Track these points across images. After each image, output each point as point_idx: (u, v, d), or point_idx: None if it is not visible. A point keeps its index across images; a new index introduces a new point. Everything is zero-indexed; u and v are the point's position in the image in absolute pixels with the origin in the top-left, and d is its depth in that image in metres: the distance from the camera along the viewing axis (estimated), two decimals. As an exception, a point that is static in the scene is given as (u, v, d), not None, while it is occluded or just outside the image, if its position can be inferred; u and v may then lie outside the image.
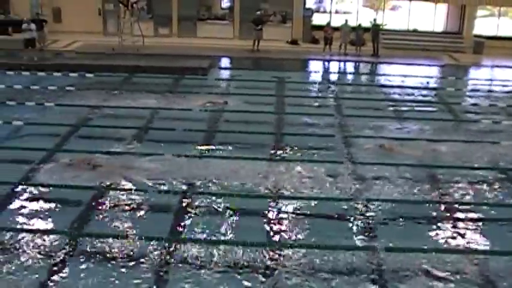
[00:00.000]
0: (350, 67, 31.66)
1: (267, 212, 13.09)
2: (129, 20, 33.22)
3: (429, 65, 31.46)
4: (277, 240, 11.93)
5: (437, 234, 12.30)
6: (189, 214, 12.94)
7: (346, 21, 33.03)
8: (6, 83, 24.54)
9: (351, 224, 12.62)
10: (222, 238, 11.93)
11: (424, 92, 25.28)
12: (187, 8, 36.41)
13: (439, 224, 12.72)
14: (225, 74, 28.78)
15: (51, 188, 14.21)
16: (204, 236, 12.00)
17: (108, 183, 14.42)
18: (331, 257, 11.17)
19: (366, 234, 12.19)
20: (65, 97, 22.67)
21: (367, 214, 12.99)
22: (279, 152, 16.77)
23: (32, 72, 26.68)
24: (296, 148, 17.01)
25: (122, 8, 34.00)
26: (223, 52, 31.64)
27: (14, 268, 10.77)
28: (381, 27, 33.72)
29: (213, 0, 38.33)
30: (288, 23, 37.00)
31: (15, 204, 13.46)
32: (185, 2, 36.30)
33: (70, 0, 35.91)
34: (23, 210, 13.11)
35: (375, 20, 33.61)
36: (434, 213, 13.29)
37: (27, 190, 14.14)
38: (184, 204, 13.36)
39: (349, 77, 30.55)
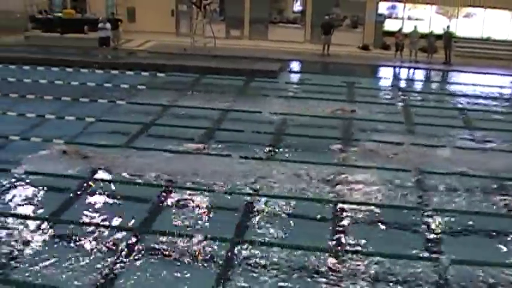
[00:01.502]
0: (421, 74, 31.23)
1: (329, 218, 13.04)
2: (202, 22, 33.56)
3: (503, 75, 30.74)
4: (342, 246, 11.90)
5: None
6: (254, 216, 13.01)
7: (415, 27, 32.62)
8: (80, 81, 25.13)
9: (418, 234, 12.48)
10: (286, 241, 11.93)
11: (496, 102, 24.70)
12: (259, 11, 36.54)
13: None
14: (295, 77, 28.72)
15: (119, 185, 14.52)
16: (268, 238, 12.05)
17: (173, 182, 14.67)
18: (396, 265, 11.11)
19: (432, 245, 12.02)
20: (137, 96, 23.08)
21: (435, 225, 12.81)
22: (343, 156, 16.69)
23: (105, 70, 27.26)
24: (361, 154, 16.90)
25: (194, 10, 34.39)
26: (293, 55, 31.63)
27: (77, 262, 11.07)
28: (454, 34, 33.18)
29: (285, 4, 38.35)
30: (359, 28, 36.77)
31: (84, 198, 13.80)
32: (257, 4, 36.43)
33: (144, 0, 36.46)
34: (91, 205, 13.45)
35: (448, 27, 33.07)
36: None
37: (96, 185, 14.49)
38: (249, 207, 13.45)
39: (420, 84, 30.11)
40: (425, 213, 13.24)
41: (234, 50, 31.80)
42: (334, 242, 11.98)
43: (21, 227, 12.37)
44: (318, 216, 13.06)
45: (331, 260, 11.22)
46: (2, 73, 26.47)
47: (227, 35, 36.63)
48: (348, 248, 11.75)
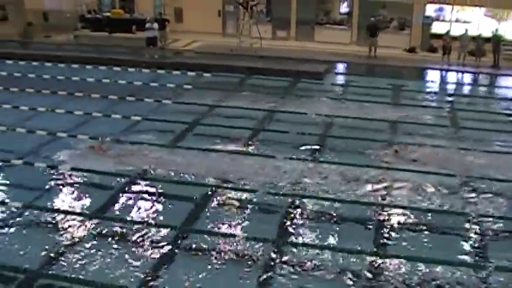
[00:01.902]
0: (468, 78, 30.81)
1: (372, 220, 13.02)
2: (248, 22, 33.66)
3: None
4: (383, 250, 11.85)
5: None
6: (296, 218, 13.02)
7: (466, 30, 32.14)
8: (128, 79, 25.43)
9: (463, 239, 12.35)
10: (328, 243, 11.94)
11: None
12: (305, 12, 36.46)
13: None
14: (341, 79, 28.60)
15: (163, 183, 14.68)
16: (310, 240, 12.06)
17: (217, 181, 14.77)
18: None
19: (476, 250, 11.89)
20: (182, 95, 23.25)
21: (479, 230, 12.67)
22: (388, 160, 16.61)
23: (152, 69, 27.51)
24: (407, 157, 16.78)
25: (241, 10, 34.47)
26: (339, 57, 31.49)
27: (121, 258, 11.25)
28: (503, 37, 32.66)
29: (332, 5, 38.19)
30: (406, 30, 36.45)
31: (129, 196, 14.01)
32: (304, 5, 36.37)
33: (192, 1, 36.68)
34: (135, 203, 13.68)
35: (496, 30, 32.58)
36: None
37: (139, 184, 14.68)
38: (293, 208, 13.45)
39: (467, 87, 29.70)
40: (470, 219, 13.10)
41: (280, 51, 31.78)
42: (377, 246, 11.94)
43: (67, 223, 12.59)
44: (362, 219, 13.03)
45: (373, 264, 11.19)
46: (51, 71, 26.92)
47: (273, 35, 36.63)
48: (390, 252, 11.71)
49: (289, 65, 27.88)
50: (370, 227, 12.74)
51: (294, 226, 12.63)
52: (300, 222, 12.81)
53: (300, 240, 12.01)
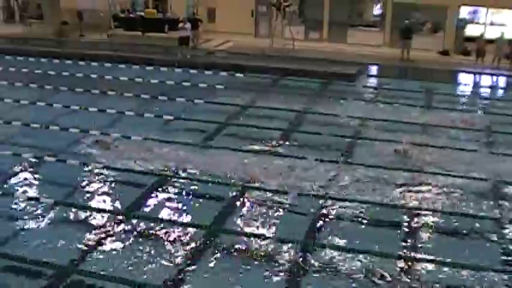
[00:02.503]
0: (502, 82, 30.44)
1: (403, 224, 12.93)
2: (281, 23, 33.63)
3: None
4: (414, 253, 11.77)
5: None
6: (326, 220, 12.99)
7: (503, 33, 31.73)
8: (160, 79, 25.60)
9: (493, 244, 12.23)
10: (357, 246, 11.87)
11: None
12: (339, 14, 36.35)
13: None
14: (373, 81, 28.44)
15: (193, 182, 14.74)
16: (339, 242, 12.01)
17: (247, 182, 14.81)
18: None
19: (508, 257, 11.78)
20: (214, 95, 23.30)
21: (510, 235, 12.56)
22: (418, 164, 16.43)
23: (184, 69, 27.63)
24: (437, 161, 16.63)
25: (274, 11, 34.45)
26: (372, 59, 31.31)
27: (151, 256, 11.31)
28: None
29: (365, 7, 38.02)
30: (439, 32, 36.14)
31: (159, 195, 14.11)
32: (337, 7, 36.25)
33: (225, 1, 36.75)
34: (165, 202, 13.78)
35: (533, 33, 32.15)
36: None
37: (170, 182, 14.77)
38: (323, 210, 13.42)
39: (501, 92, 29.35)
40: (501, 223, 12.97)
41: (313, 52, 31.71)
42: (405, 249, 11.87)
43: (98, 220, 12.71)
44: (391, 222, 12.97)
45: (401, 267, 11.13)
46: (85, 70, 27.19)
47: (306, 37, 36.55)
48: (418, 255, 11.63)
49: (321, 67, 27.81)
50: (402, 229, 12.68)
51: (324, 228, 12.60)
52: (329, 224, 12.77)
53: (329, 242, 11.96)
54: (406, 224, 12.90)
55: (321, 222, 12.85)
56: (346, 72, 27.08)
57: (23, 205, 13.37)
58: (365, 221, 12.90)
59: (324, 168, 15.59)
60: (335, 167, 15.78)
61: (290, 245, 11.71)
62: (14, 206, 13.34)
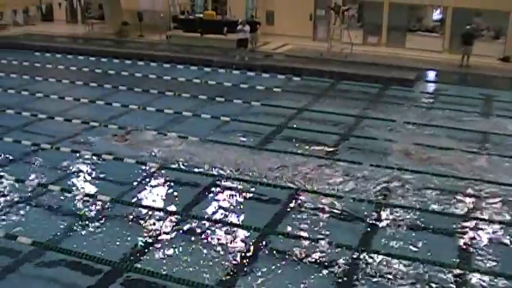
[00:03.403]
0: None
1: (458, 232, 12.80)
2: (339, 27, 33.52)
3: None
4: (468, 262, 11.63)
5: None
6: (380, 225, 12.91)
7: None
8: (218, 80, 25.77)
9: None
10: (409, 253, 11.78)
11: None
12: (398, 18, 35.98)
13: None
14: (431, 87, 28.05)
15: (248, 184, 14.82)
16: (392, 249, 11.94)
17: (302, 185, 14.81)
18: None
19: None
20: (271, 98, 23.32)
21: None
22: (477, 172, 16.16)
23: (241, 71, 27.76)
24: (497, 169, 16.36)
25: (332, 15, 34.34)
26: (430, 65, 30.89)
27: (203, 257, 11.43)
28: None
29: (425, 12, 37.59)
30: (501, 38, 35.52)
31: (214, 195, 14.26)
32: (396, 12, 35.91)
33: (283, 4, 36.76)
34: (219, 202, 13.92)
35: None
36: None
37: (225, 184, 14.88)
38: (378, 216, 13.36)
39: None
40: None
41: (370, 57, 31.47)
42: (459, 258, 11.73)
43: (153, 219, 12.88)
44: (446, 230, 12.83)
45: (455, 277, 10.99)
46: (144, 70, 27.55)
47: (364, 41, 36.29)
48: (473, 265, 11.48)
49: (379, 71, 27.61)
50: (454, 238, 12.58)
51: (378, 234, 12.54)
52: (383, 230, 12.69)
53: (382, 249, 11.89)
54: (462, 232, 12.75)
55: (374, 227, 12.78)
56: (404, 77, 26.81)
57: (80, 202, 13.64)
58: (420, 228, 12.83)
59: (380, 174, 15.48)
60: (389, 173, 15.66)
61: (343, 249, 11.70)
62: (72, 203, 13.62)
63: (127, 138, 17.93)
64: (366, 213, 13.41)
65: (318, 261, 11.36)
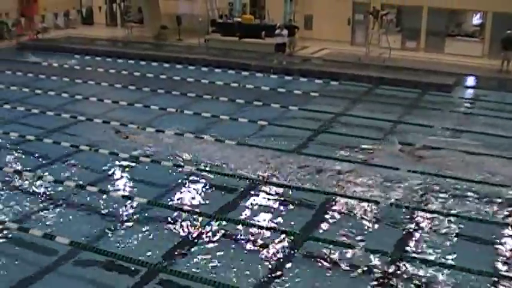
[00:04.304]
0: None
1: (495, 240, 12.63)
2: (378, 32, 33.36)
3: None
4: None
5: None
6: (417, 232, 12.82)
7: None
8: (256, 84, 25.83)
9: None
10: (446, 261, 11.68)
11: None
12: (437, 23, 35.68)
13: None
14: (469, 93, 27.75)
15: (285, 189, 14.84)
16: (429, 256, 11.85)
17: (339, 190, 14.79)
18: None
19: None
20: (309, 102, 23.30)
21: None
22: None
23: (279, 75, 27.78)
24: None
25: (371, 19, 34.20)
26: (469, 70, 30.58)
27: (239, 260, 11.48)
28: None
29: (464, 17, 37.23)
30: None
31: (251, 199, 14.29)
32: (435, 16, 35.62)
33: (322, 8, 36.68)
34: (256, 206, 13.94)
35: None
36: None
37: (261, 188, 14.96)
38: (413, 222, 13.27)
39: None
40: None
41: (409, 62, 31.26)
42: (498, 267, 11.60)
43: (189, 222, 12.94)
44: (483, 238, 12.69)
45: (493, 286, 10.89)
46: (182, 73, 27.73)
47: (402, 46, 36.07)
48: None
49: (417, 77, 27.41)
50: (491, 246, 12.42)
51: (412, 240, 12.45)
52: (420, 236, 12.60)
53: (418, 255, 11.80)
54: (499, 240, 12.60)
55: (411, 233, 12.70)
56: (442, 82, 26.58)
57: (116, 203, 13.78)
58: (458, 235, 12.71)
59: (417, 180, 15.36)
60: (428, 178, 15.52)
61: (378, 255, 11.63)
62: (109, 204, 13.77)
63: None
64: (402, 218, 13.35)
65: (353, 267, 11.31)
